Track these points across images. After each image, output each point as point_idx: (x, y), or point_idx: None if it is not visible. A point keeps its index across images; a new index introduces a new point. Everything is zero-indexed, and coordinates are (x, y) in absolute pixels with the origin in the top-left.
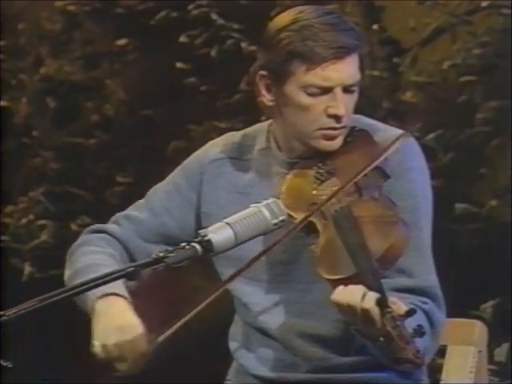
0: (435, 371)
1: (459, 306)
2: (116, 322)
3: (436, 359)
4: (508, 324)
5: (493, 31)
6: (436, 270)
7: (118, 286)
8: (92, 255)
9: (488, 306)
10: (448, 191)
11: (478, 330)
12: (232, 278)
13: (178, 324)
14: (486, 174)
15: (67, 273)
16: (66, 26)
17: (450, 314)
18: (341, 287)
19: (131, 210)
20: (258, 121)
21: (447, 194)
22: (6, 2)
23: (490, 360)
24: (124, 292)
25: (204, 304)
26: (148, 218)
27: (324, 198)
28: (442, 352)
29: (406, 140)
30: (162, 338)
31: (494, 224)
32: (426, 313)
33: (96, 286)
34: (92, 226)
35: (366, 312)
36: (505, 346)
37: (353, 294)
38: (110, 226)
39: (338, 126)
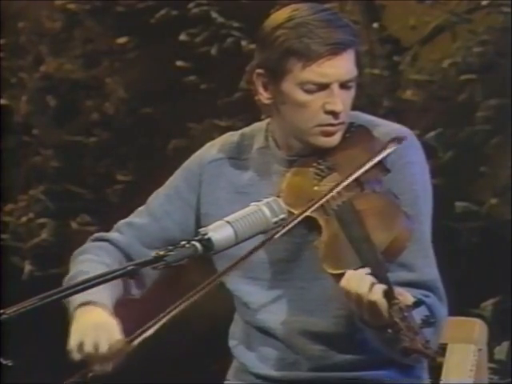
0: (435, 369)
1: (459, 305)
2: (92, 320)
3: (436, 357)
4: (508, 322)
5: (493, 29)
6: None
7: (100, 293)
8: (85, 263)
9: (488, 305)
10: (448, 189)
11: (478, 328)
12: (220, 275)
13: (153, 328)
14: (486, 173)
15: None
16: (66, 24)
17: (450, 313)
18: (351, 271)
19: (133, 217)
20: (259, 119)
21: (447, 192)
22: (6, 1)
23: (490, 358)
24: (105, 301)
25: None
26: (149, 223)
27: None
28: (442, 350)
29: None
30: (137, 341)
31: (494, 222)
32: (428, 306)
33: (96, 285)
34: (96, 234)
35: (373, 304)
36: (505, 345)
37: (361, 285)
38: (112, 235)
39: (335, 122)
